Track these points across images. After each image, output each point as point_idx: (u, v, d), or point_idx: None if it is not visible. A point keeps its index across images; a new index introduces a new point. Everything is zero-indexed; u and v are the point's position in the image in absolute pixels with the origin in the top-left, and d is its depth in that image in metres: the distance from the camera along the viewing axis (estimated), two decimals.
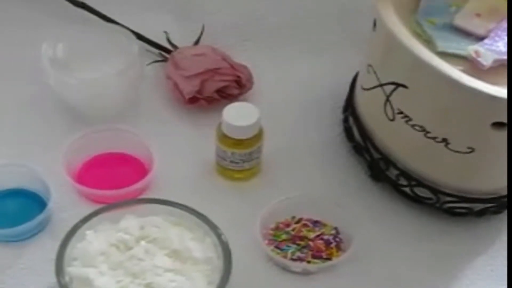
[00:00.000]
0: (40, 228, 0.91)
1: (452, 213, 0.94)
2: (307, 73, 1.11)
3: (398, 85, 0.88)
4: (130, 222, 0.86)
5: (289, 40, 1.16)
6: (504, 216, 0.96)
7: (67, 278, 0.82)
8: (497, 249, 0.94)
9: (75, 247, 0.84)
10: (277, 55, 1.13)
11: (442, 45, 0.87)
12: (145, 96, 1.06)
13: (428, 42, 0.87)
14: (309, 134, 1.04)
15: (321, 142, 1.03)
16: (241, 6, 1.20)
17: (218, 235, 0.85)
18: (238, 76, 1.04)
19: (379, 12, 0.89)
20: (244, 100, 1.03)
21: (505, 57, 0.85)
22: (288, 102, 1.07)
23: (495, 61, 0.85)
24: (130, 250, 0.84)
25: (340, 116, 1.04)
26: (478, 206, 0.93)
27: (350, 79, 1.03)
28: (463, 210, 0.94)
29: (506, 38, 0.87)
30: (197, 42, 1.11)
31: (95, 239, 0.85)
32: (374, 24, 0.92)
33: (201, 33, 1.12)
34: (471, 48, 0.86)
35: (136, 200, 0.92)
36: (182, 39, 1.10)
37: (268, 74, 1.09)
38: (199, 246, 0.85)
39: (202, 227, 0.86)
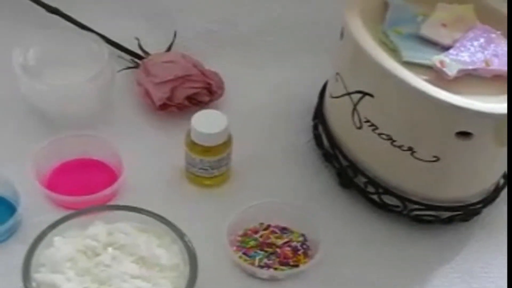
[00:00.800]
0: (9, 234, 0.91)
1: (419, 221, 0.95)
2: (278, 80, 1.12)
3: (364, 94, 0.89)
4: (98, 228, 0.87)
5: (260, 48, 1.17)
6: (471, 224, 0.97)
7: (34, 284, 0.82)
8: (464, 256, 0.95)
9: (43, 253, 0.84)
10: (248, 62, 1.14)
11: (407, 55, 0.87)
12: (116, 102, 1.06)
13: (394, 52, 0.88)
14: (279, 141, 1.04)
15: (290, 149, 1.04)
16: (213, 14, 1.21)
17: (185, 242, 0.85)
18: (209, 83, 1.05)
19: (346, 21, 0.90)
20: (215, 106, 1.04)
21: (470, 67, 0.86)
22: (258, 109, 1.08)
23: (460, 71, 0.86)
24: (97, 256, 0.85)
25: (310, 123, 1.04)
26: (445, 214, 0.94)
27: (320, 87, 1.04)
28: (430, 218, 0.94)
29: (472, 48, 0.88)
30: (169, 49, 1.11)
31: (62, 245, 0.85)
32: (342, 34, 0.93)
33: (173, 40, 1.12)
34: (436, 58, 0.86)
35: (104, 207, 0.92)
36: (154, 45, 1.11)
37: (239, 81, 1.09)
38: (166, 253, 0.85)
39: (169, 234, 0.87)
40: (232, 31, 1.19)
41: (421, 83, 0.83)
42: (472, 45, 0.88)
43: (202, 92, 1.04)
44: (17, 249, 0.88)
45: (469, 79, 0.87)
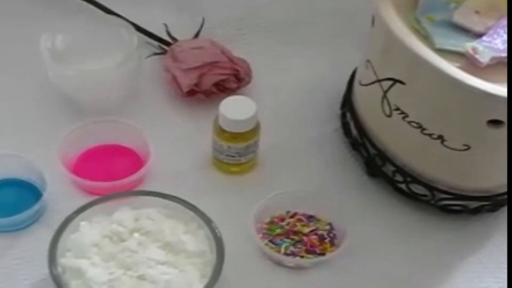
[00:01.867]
0: (35, 219, 0.91)
1: (447, 210, 0.94)
2: (305, 68, 1.11)
3: (395, 81, 0.88)
4: (124, 214, 0.87)
5: (288, 35, 1.16)
6: (498, 214, 0.96)
7: (59, 269, 0.82)
8: (491, 246, 0.94)
9: (69, 238, 0.84)
10: (276, 49, 1.13)
11: (440, 42, 0.86)
12: (143, 88, 1.06)
13: (426, 39, 0.87)
14: (306, 129, 1.04)
15: (318, 137, 1.03)
16: (242, 0, 1.20)
17: (212, 229, 0.85)
18: (237, 70, 1.04)
19: (378, 9, 0.88)
20: (242, 94, 1.03)
21: (503, 54, 0.85)
22: (286, 96, 1.07)
23: (493, 58, 0.84)
24: (123, 242, 0.84)
25: (338, 111, 1.03)
26: (473, 204, 0.93)
27: (348, 75, 1.03)
28: (458, 208, 0.93)
29: (504, 35, 0.86)
30: (196, 35, 1.11)
31: (88, 230, 0.85)
32: (373, 21, 0.92)
33: (201, 26, 1.11)
34: (468, 45, 0.85)
35: (130, 192, 0.92)
36: (182, 32, 1.10)
37: (266, 69, 1.09)
38: (193, 239, 0.85)
39: (196, 220, 0.86)
40: (260, 18, 1.18)
41: (454, 70, 0.82)
42: (505, 32, 0.87)
43: (230, 79, 1.04)
44: (43, 234, 0.89)
45: (501, 66, 0.85)
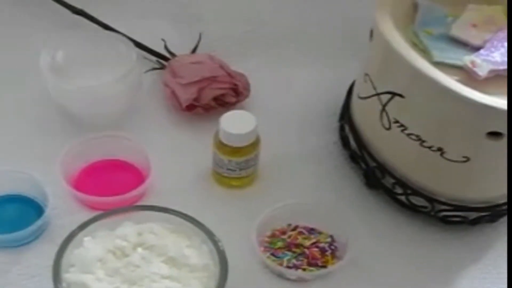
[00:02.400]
0: (38, 234, 0.92)
1: (447, 222, 0.95)
2: (303, 81, 1.12)
3: (394, 94, 0.88)
4: (127, 229, 0.87)
5: (286, 48, 1.17)
6: (498, 225, 0.97)
7: (64, 285, 0.82)
8: (491, 257, 0.95)
9: (73, 253, 0.84)
10: (274, 63, 1.14)
11: (438, 55, 0.88)
12: (143, 103, 1.07)
13: (425, 52, 0.88)
14: (306, 142, 1.04)
15: (317, 150, 1.04)
16: (239, 14, 1.21)
17: (215, 242, 0.85)
18: (235, 84, 1.05)
19: (376, 22, 0.89)
20: (241, 108, 1.04)
21: (501, 67, 0.86)
22: (284, 110, 1.08)
23: (491, 71, 0.86)
24: (127, 257, 0.84)
25: (336, 124, 1.04)
26: (473, 215, 0.94)
27: (346, 88, 1.04)
28: (458, 219, 0.94)
29: (502, 48, 0.88)
30: (194, 50, 1.12)
31: (92, 246, 0.85)
32: (371, 34, 0.93)
33: (199, 41, 1.12)
34: (467, 59, 0.86)
35: (133, 207, 0.92)
36: (180, 46, 1.11)
37: (265, 82, 1.09)
38: (196, 253, 0.85)
39: (198, 235, 0.86)
40: (258, 32, 1.19)
41: (453, 83, 0.83)
42: (502, 45, 0.88)
43: (229, 93, 1.04)
44: (46, 250, 0.89)
45: (499, 79, 0.86)
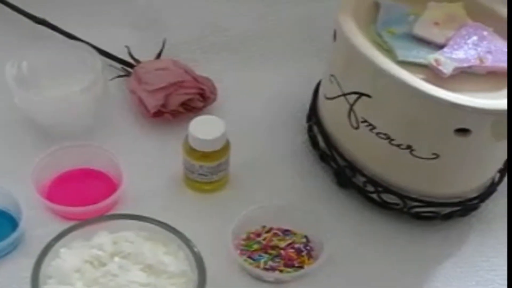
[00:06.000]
0: (13, 247, 0.91)
1: (419, 217, 0.96)
2: (268, 83, 1.13)
3: (361, 94, 0.90)
4: (103, 238, 0.87)
5: (251, 51, 1.18)
6: (470, 219, 0.98)
7: None
8: (465, 250, 0.96)
9: (50, 265, 0.84)
10: (240, 65, 1.15)
11: (402, 54, 0.89)
12: (110, 111, 1.07)
13: (389, 52, 0.89)
14: (275, 143, 1.05)
15: (287, 151, 1.04)
16: (201, 19, 1.22)
17: (191, 248, 0.86)
18: (202, 89, 1.05)
19: (339, 24, 0.90)
20: (208, 112, 1.04)
21: (465, 64, 0.88)
22: (252, 112, 1.09)
23: (455, 68, 0.87)
24: (104, 266, 0.85)
25: (304, 125, 1.05)
26: (445, 210, 0.95)
27: (312, 88, 1.05)
28: (430, 214, 0.96)
29: (465, 46, 0.89)
30: (159, 56, 1.12)
31: (69, 257, 0.85)
32: (334, 36, 0.93)
33: (163, 47, 1.12)
34: (431, 57, 0.88)
35: (108, 216, 0.92)
36: (144, 53, 1.11)
37: (230, 86, 1.10)
38: (173, 260, 0.85)
39: (174, 241, 0.87)
40: (221, 35, 1.19)
41: (419, 82, 0.84)
42: (465, 42, 0.90)
43: (196, 98, 1.05)
44: (22, 262, 0.89)
45: (464, 76, 0.88)
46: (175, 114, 1.04)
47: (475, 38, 0.90)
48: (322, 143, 1.00)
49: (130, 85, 1.07)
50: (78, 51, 1.04)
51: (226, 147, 0.96)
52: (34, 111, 1.02)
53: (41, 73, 1.02)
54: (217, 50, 1.17)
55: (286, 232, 0.94)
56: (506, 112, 0.83)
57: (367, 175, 0.95)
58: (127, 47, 1.11)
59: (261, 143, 1.05)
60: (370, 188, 0.96)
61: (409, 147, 0.89)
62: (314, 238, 0.93)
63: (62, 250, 0.86)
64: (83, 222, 0.88)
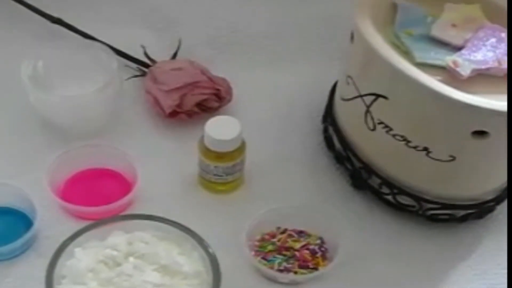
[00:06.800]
0: (27, 247, 0.91)
1: (434, 220, 0.96)
2: (284, 83, 1.12)
3: (378, 96, 0.89)
4: (117, 238, 0.87)
5: (267, 51, 1.17)
6: (485, 221, 0.98)
7: None
8: (480, 253, 0.96)
9: (64, 265, 0.84)
10: (255, 66, 1.14)
11: (420, 56, 0.88)
12: (126, 111, 1.07)
13: (407, 53, 0.89)
14: (290, 144, 1.05)
15: (302, 152, 1.04)
16: (217, 19, 1.21)
17: (206, 249, 0.86)
18: (217, 89, 1.05)
19: (357, 25, 0.90)
20: (224, 112, 1.04)
21: (483, 66, 0.87)
22: (267, 112, 1.08)
23: (473, 70, 0.86)
24: (119, 266, 0.85)
25: (320, 125, 1.05)
26: (460, 212, 0.95)
27: (328, 89, 1.05)
28: (445, 217, 0.95)
29: (483, 47, 0.89)
30: (174, 56, 1.12)
31: (83, 256, 0.85)
32: (352, 37, 0.93)
33: (178, 47, 1.12)
34: (449, 59, 0.87)
35: (123, 216, 0.92)
36: (160, 53, 1.11)
37: (247, 86, 1.10)
38: (188, 260, 0.85)
39: (189, 241, 0.87)
40: (237, 35, 1.19)
41: (436, 84, 0.84)
42: (484, 44, 0.89)
43: (211, 98, 1.05)
44: (36, 261, 0.90)
45: (482, 78, 0.87)
46: (190, 114, 1.04)
47: (493, 40, 0.90)
48: (337, 144, 1.00)
49: (146, 85, 1.07)
50: (93, 51, 1.04)
51: (241, 148, 0.96)
52: (50, 111, 1.02)
53: (56, 72, 1.02)
54: (233, 50, 1.17)
55: (300, 233, 0.94)
56: None
57: (383, 177, 0.95)
58: (143, 47, 1.11)
59: (276, 143, 1.05)
60: (385, 190, 0.95)
61: (425, 149, 0.88)
62: (328, 239, 0.93)
63: (76, 250, 0.85)
64: (98, 222, 0.88)
